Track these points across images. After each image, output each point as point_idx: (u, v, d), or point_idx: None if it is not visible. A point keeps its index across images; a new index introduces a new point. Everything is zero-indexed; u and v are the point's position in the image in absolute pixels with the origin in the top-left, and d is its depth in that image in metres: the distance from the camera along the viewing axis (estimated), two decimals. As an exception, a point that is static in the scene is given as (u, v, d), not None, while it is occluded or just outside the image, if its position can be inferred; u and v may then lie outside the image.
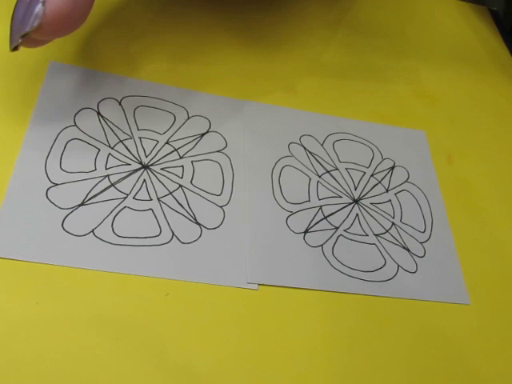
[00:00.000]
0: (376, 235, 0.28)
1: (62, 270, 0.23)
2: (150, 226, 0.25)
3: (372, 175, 0.31)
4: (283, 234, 0.27)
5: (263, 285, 0.25)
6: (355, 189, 0.30)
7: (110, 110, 0.28)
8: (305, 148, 0.30)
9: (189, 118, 0.29)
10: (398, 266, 0.28)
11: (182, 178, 0.27)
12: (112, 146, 0.27)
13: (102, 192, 0.25)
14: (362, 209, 0.29)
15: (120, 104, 0.29)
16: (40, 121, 0.26)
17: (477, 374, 0.25)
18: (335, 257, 0.27)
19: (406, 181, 0.31)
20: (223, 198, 0.27)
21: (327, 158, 0.31)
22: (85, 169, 0.26)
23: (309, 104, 0.32)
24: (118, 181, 0.26)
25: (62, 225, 0.24)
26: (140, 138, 0.28)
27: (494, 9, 0.45)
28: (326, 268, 0.26)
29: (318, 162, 0.30)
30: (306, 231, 0.27)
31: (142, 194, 0.26)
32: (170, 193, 0.26)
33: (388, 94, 0.35)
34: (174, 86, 0.30)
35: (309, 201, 0.28)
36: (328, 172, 0.30)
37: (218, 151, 0.29)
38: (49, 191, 0.25)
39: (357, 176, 0.30)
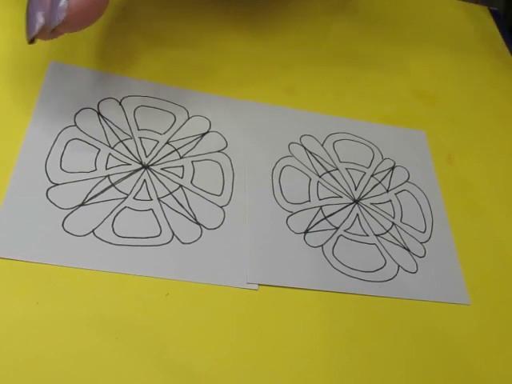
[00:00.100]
0: (376, 235, 0.28)
1: (62, 270, 0.23)
2: (151, 226, 0.25)
3: (372, 175, 0.31)
4: (283, 234, 0.27)
5: (263, 285, 0.25)
6: (355, 189, 0.30)
7: (110, 110, 0.28)
8: (305, 148, 0.30)
9: (189, 118, 0.29)
10: (399, 266, 0.27)
11: (182, 178, 0.27)
12: (112, 146, 0.27)
13: (102, 192, 0.25)
14: (362, 209, 0.29)
15: (120, 104, 0.28)
16: (40, 121, 0.26)
17: (477, 373, 0.25)
18: (335, 257, 0.27)
19: (407, 181, 0.31)
20: (223, 198, 0.27)
21: (327, 158, 0.30)
22: (85, 169, 0.26)
23: (309, 104, 0.32)
24: (119, 181, 0.26)
25: (63, 225, 0.24)
26: (140, 138, 0.28)
27: (494, 9, 0.45)
28: (327, 268, 0.26)
29: (318, 162, 0.30)
30: (307, 231, 0.27)
31: (143, 194, 0.26)
32: (171, 193, 0.26)
33: (388, 94, 0.35)
34: (174, 86, 0.30)
35: (309, 201, 0.28)
36: (328, 172, 0.30)
37: (219, 151, 0.29)
38: (49, 191, 0.25)
39: (357, 176, 0.30)
